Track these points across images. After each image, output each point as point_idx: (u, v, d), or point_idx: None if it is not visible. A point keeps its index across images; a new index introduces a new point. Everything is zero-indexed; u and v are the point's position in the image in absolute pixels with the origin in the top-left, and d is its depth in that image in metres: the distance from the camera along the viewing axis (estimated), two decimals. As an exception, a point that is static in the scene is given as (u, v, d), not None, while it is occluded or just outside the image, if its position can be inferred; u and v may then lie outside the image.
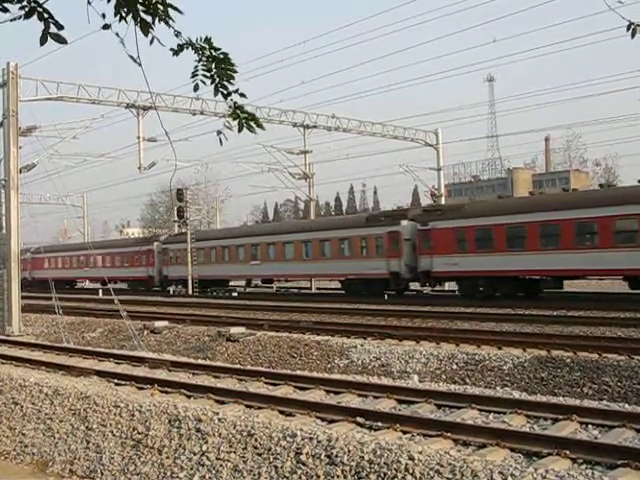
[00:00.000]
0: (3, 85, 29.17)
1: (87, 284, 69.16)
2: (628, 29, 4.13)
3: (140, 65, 3.84)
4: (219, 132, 4.10)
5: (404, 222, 35.60)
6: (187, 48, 3.78)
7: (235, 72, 3.84)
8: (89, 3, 3.57)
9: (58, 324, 26.63)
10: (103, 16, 3.62)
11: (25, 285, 61.81)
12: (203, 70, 3.82)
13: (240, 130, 3.99)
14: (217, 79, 3.82)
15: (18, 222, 28.82)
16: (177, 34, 3.73)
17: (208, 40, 3.77)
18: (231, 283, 52.79)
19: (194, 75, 3.82)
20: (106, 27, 3.65)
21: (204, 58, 3.79)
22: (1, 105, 29.27)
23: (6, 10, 3.63)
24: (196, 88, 3.87)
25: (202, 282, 48.14)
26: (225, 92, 3.84)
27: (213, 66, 3.80)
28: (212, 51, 3.79)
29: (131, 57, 3.80)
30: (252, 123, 3.99)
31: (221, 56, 3.81)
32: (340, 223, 42.70)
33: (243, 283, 53.35)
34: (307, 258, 41.94)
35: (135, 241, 60.98)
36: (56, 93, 32.51)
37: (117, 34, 3.66)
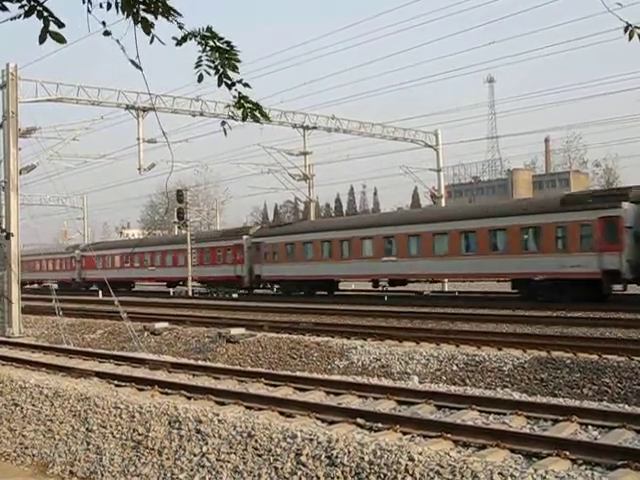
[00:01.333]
0: (3, 86, 29.18)
1: (150, 285, 62.45)
2: (626, 31, 4.13)
3: (140, 69, 3.84)
4: (223, 122, 4.10)
5: (625, 205, 27.55)
6: (190, 39, 3.76)
7: (239, 61, 3.82)
8: (89, 12, 3.58)
9: (58, 325, 26.63)
10: (103, 24, 3.63)
11: (73, 288, 59.74)
12: (207, 60, 3.80)
13: (244, 119, 3.98)
14: (221, 69, 3.81)
15: (18, 223, 28.82)
16: (180, 26, 3.72)
17: (210, 29, 3.76)
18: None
19: (198, 65, 3.81)
20: (107, 34, 3.66)
21: (207, 48, 3.77)
22: (1, 106, 29.28)
23: (5, 9, 3.63)
24: (200, 79, 3.85)
25: (299, 283, 41.83)
26: (229, 82, 3.83)
27: (217, 56, 3.79)
28: (215, 41, 3.77)
29: (132, 62, 3.80)
30: (257, 112, 3.97)
31: (224, 45, 3.80)
32: (522, 207, 32.87)
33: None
34: (468, 253, 33.39)
35: (218, 234, 52.31)
36: (56, 94, 32.52)
37: (118, 41, 3.67)
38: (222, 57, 3.79)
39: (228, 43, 3.79)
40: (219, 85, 3.83)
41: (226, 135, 4.24)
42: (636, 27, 4.13)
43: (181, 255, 51.18)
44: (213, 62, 3.79)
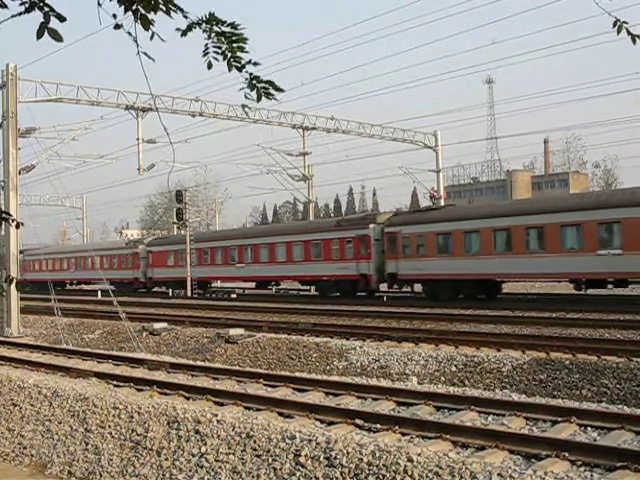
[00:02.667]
0: (2, 86, 29.15)
1: (234, 286, 53.10)
2: (614, 26, 4.19)
3: (153, 60, 3.82)
4: (244, 106, 4.09)
5: (372, 226, 29.84)
6: (195, 28, 3.74)
7: (246, 40, 3.79)
8: (99, 5, 3.57)
9: (57, 325, 26.63)
10: (114, 16, 3.61)
11: (135, 288, 54.04)
12: (214, 47, 3.78)
13: (259, 99, 3.95)
14: (229, 54, 3.79)
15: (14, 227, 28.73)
16: (185, 16, 3.70)
17: (213, 15, 3.74)
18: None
19: (205, 54, 3.79)
20: (117, 27, 3.64)
21: (213, 34, 3.75)
22: (0, 106, 29.27)
23: (4, 6, 3.62)
24: (210, 66, 3.83)
25: (454, 283, 32.98)
26: (239, 65, 3.81)
27: (223, 40, 3.77)
28: (220, 26, 3.75)
29: (146, 54, 3.78)
30: (271, 90, 3.95)
31: (229, 28, 3.78)
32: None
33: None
34: None
35: (330, 224, 42.02)
36: (55, 94, 32.50)
37: (129, 33, 3.65)
38: (229, 41, 3.77)
39: (232, 24, 3.77)
40: (229, 70, 3.80)
41: (248, 116, 4.21)
42: (624, 22, 4.18)
43: (280, 249, 42.68)
44: (220, 48, 3.77)
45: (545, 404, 11.19)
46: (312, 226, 43.16)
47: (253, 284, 49.20)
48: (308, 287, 46.03)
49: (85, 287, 65.29)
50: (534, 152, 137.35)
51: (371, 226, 37.14)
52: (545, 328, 20.58)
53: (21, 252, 68.22)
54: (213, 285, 53.91)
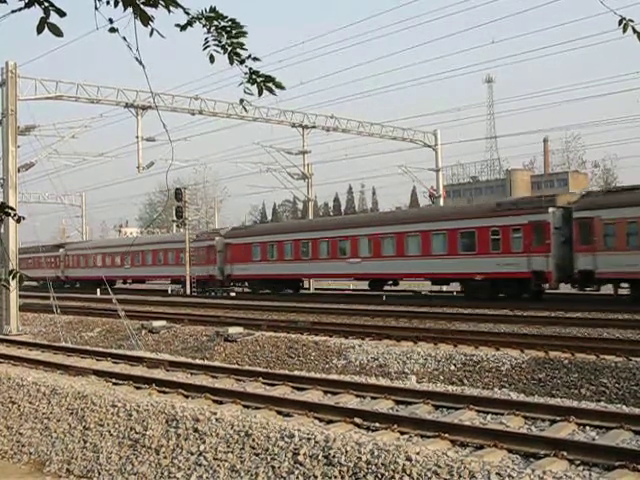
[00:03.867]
0: (2, 84, 29.16)
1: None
2: (620, 24, 4.17)
3: (143, 67, 3.83)
4: (242, 100, 4.09)
5: None
6: (195, 22, 3.73)
7: (245, 34, 3.79)
8: (96, 9, 3.56)
9: (56, 323, 26.62)
10: (110, 21, 3.61)
11: (218, 285, 47.00)
12: (213, 40, 3.78)
13: (260, 94, 3.95)
14: (229, 48, 3.78)
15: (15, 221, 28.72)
16: (187, 12, 3.70)
17: (214, 10, 3.74)
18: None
19: (205, 47, 3.79)
20: (113, 30, 3.64)
21: (212, 29, 3.75)
22: (0, 104, 29.26)
23: (4, 1, 3.61)
24: (212, 59, 3.82)
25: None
26: (239, 59, 3.81)
27: (224, 34, 3.77)
28: (220, 21, 3.75)
29: (137, 59, 3.78)
30: (271, 85, 3.95)
31: (229, 23, 3.77)
32: None
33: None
34: None
35: (489, 209, 33.50)
36: (55, 92, 32.52)
37: (124, 38, 3.65)
38: (229, 36, 3.77)
39: (233, 21, 3.77)
40: (231, 63, 3.80)
41: (247, 112, 4.23)
42: (630, 20, 4.16)
43: (412, 240, 35.05)
44: (220, 42, 3.76)
45: (544, 403, 11.19)
46: (459, 212, 35.69)
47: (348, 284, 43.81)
48: (441, 287, 39.41)
49: (142, 286, 59.84)
50: (533, 151, 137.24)
51: (550, 210, 29.29)
52: (544, 327, 20.60)
53: (60, 246, 65.27)
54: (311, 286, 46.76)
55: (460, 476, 6.83)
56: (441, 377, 15.25)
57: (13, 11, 3.62)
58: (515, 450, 8.41)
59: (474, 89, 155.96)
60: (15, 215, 4.59)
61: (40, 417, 11.52)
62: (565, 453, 7.94)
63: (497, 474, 6.75)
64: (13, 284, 4.67)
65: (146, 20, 3.61)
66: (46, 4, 3.50)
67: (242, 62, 3.80)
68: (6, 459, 10.30)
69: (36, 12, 3.56)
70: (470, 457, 7.67)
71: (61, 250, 64.63)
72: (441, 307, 28.24)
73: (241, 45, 3.76)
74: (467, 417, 10.39)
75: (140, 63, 3.83)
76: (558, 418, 9.81)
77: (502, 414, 10.30)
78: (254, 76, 3.88)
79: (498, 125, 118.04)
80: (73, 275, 63.25)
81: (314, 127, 44.50)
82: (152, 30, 3.65)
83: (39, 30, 3.53)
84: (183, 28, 3.71)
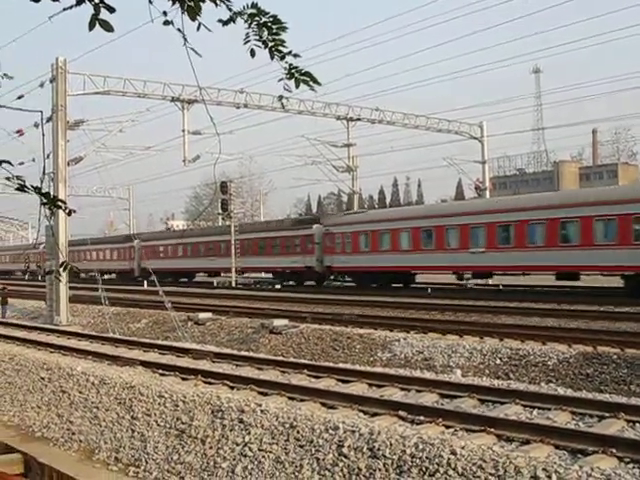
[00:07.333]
0: (52, 80, 29.70)
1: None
2: None
3: (200, 55, 3.87)
4: (281, 97, 4.11)
5: None
6: (236, 18, 3.76)
7: (285, 30, 3.81)
8: (150, 3, 3.60)
9: (104, 314, 27.07)
10: (164, 13, 3.65)
11: (315, 278, 42.78)
12: (254, 35, 3.81)
13: (297, 86, 3.99)
14: (270, 43, 3.81)
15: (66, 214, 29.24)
16: (229, 8, 3.73)
17: (256, 6, 3.76)
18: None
19: (246, 42, 3.82)
20: (167, 23, 3.68)
21: (254, 24, 3.77)
22: (50, 99, 29.82)
23: None
24: (253, 54, 3.86)
25: None
26: (280, 55, 3.84)
27: (264, 30, 3.79)
28: (261, 17, 3.77)
29: (193, 50, 3.83)
30: (308, 80, 3.98)
31: (270, 19, 3.80)
32: None
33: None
34: None
35: None
36: (103, 87, 32.97)
37: (179, 30, 3.69)
38: (270, 32, 3.79)
39: (274, 17, 3.79)
40: (271, 59, 3.83)
41: (284, 108, 4.26)
42: None
43: (571, 226, 29.59)
44: (261, 37, 3.79)
45: (592, 399, 11.03)
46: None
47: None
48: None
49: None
50: (582, 143, 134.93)
51: None
52: (592, 322, 20.27)
53: (134, 237, 58.70)
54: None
55: (506, 471, 6.77)
56: (487, 371, 15.13)
57: (65, 9, 3.68)
58: (562, 446, 8.30)
59: (521, 80, 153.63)
60: (66, 208, 4.68)
61: (89, 406, 11.74)
62: (614, 450, 7.81)
63: (543, 470, 6.67)
64: (64, 276, 4.78)
65: (194, 14, 3.64)
66: (96, 1, 3.55)
67: (282, 58, 3.82)
68: (57, 446, 10.52)
69: (82, 9, 3.62)
70: (516, 452, 7.60)
71: (136, 241, 58.77)
72: (486, 301, 27.95)
73: (282, 42, 3.78)
74: (513, 412, 10.29)
75: (197, 53, 3.86)
76: (607, 414, 9.65)
77: (549, 409, 10.19)
78: (293, 71, 3.90)
79: (545, 116, 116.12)
80: (151, 267, 57.58)
81: (359, 119, 44.30)
82: (199, 24, 3.68)
83: (91, 27, 3.59)
84: (225, 23, 3.73)
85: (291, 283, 45.14)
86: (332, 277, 43.59)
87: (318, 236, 42.67)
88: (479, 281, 36.08)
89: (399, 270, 37.71)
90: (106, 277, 57.40)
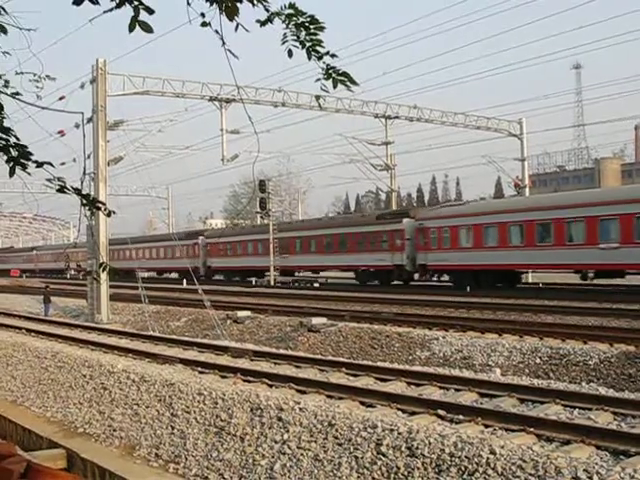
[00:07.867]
0: (93, 81, 30.13)
1: None
2: None
3: (237, 57, 3.90)
4: (318, 97, 4.14)
5: None
6: (274, 18, 3.79)
7: (323, 30, 3.83)
8: (188, 4, 3.64)
9: (144, 313, 27.39)
10: (202, 15, 3.69)
11: (405, 277, 39.26)
12: (292, 35, 3.83)
13: (335, 86, 4.01)
14: (308, 43, 3.83)
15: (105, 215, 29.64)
16: (267, 8, 3.75)
17: (293, 6, 3.78)
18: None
19: (284, 42, 3.85)
20: (205, 25, 3.71)
21: (291, 24, 3.79)
22: (91, 100, 30.26)
23: (96, 2, 3.72)
24: (290, 54, 3.89)
25: None
26: (317, 55, 3.86)
27: (302, 30, 3.81)
28: (299, 17, 3.79)
29: (230, 51, 3.86)
30: (345, 80, 3.99)
31: (308, 19, 3.81)
32: None
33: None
34: None
35: None
36: (142, 88, 33.33)
37: (217, 31, 3.72)
38: (307, 32, 3.81)
39: (312, 17, 3.81)
40: (309, 59, 3.85)
41: (321, 108, 4.27)
42: None
43: None
44: (298, 37, 3.81)
45: (634, 399, 10.85)
46: None
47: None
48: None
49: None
50: (624, 139, 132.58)
51: None
52: (634, 321, 19.93)
53: (199, 234, 58.09)
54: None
55: (546, 471, 6.71)
56: (526, 370, 14.98)
57: (105, 11, 3.73)
58: (604, 447, 8.19)
59: (561, 76, 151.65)
60: (106, 209, 4.75)
61: (130, 403, 11.89)
62: (657, 451, 7.69)
63: (584, 470, 6.59)
64: (103, 276, 4.86)
65: (232, 14, 3.67)
66: (136, 3, 3.60)
67: (320, 58, 3.84)
68: (99, 442, 10.67)
69: (122, 11, 3.67)
70: (556, 452, 7.51)
71: (200, 238, 57.14)
72: (526, 299, 27.65)
73: (319, 42, 3.79)
74: (553, 411, 10.18)
75: (234, 55, 3.89)
76: (650, 415, 9.50)
77: (590, 409, 10.06)
78: (330, 71, 3.91)
79: (586, 112, 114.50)
80: (218, 265, 55.25)
81: (397, 117, 44.14)
82: (237, 25, 3.71)
83: (131, 28, 3.64)
84: (263, 24, 3.76)
85: (375, 283, 42.15)
86: (427, 276, 39.28)
87: (409, 231, 38.57)
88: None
89: (506, 268, 34.08)
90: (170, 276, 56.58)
